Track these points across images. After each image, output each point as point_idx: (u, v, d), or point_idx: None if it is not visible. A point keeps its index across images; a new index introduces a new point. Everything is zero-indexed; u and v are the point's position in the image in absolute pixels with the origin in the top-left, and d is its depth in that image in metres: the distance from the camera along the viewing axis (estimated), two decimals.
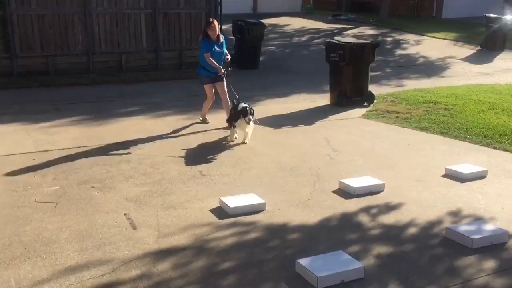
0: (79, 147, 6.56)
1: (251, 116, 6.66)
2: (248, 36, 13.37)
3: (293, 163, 6.02)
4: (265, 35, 13.76)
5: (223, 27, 16.68)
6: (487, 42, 16.90)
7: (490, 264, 3.69)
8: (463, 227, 4.15)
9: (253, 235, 4.17)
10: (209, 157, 6.25)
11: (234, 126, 6.88)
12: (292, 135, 7.33)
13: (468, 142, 6.96)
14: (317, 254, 3.75)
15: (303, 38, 17.84)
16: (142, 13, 12.27)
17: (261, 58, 13.59)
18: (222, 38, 7.53)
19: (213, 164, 5.98)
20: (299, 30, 18.65)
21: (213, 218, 4.49)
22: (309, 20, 23.57)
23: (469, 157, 6.19)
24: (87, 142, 6.75)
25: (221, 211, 4.64)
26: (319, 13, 27.67)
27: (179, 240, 4.04)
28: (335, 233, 4.24)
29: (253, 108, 6.87)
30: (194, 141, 6.96)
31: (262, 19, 15.14)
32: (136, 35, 12.32)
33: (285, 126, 7.83)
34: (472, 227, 4.13)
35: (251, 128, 6.84)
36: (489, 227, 4.15)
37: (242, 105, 6.80)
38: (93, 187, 5.17)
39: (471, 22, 22.92)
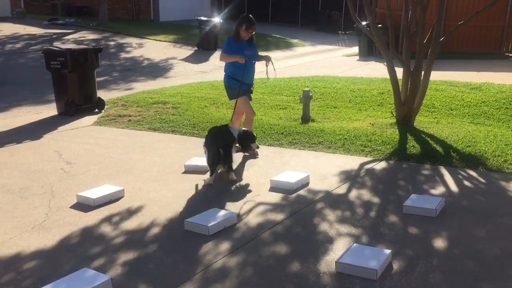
0: None
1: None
2: None
3: (22, 184, 5.49)
4: None
5: None
6: (202, 43, 18.54)
7: (225, 246, 4.08)
8: (199, 217, 4.48)
9: None
10: None
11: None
12: (18, 153, 6.65)
13: (197, 137, 7.53)
14: (59, 278, 3.52)
15: (18, 45, 16.31)
16: None
17: None
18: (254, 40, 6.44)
19: None
20: (12, 37, 16.97)
21: None
22: (22, 26, 21.68)
23: (198, 151, 6.69)
24: None
25: None
26: (32, 17, 25.81)
27: None
28: (77, 250, 4.04)
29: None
30: None
31: None
32: None
33: (8, 144, 7.05)
34: (207, 216, 4.49)
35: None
36: (221, 212, 4.59)
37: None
38: None
39: (186, 25, 24.73)
